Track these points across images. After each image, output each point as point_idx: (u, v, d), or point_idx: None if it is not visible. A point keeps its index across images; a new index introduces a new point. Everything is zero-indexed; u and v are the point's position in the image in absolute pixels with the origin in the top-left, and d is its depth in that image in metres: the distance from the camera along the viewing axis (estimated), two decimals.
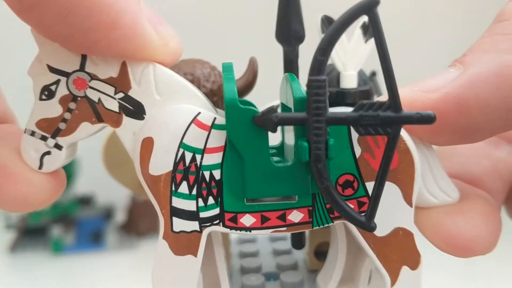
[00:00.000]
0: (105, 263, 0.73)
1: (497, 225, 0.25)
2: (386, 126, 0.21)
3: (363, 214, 0.22)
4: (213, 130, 0.23)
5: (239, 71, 0.29)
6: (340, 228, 0.26)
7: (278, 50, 0.29)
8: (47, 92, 0.23)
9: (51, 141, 0.24)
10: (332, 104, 0.28)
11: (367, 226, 0.22)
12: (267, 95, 0.31)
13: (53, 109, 0.23)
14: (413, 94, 0.23)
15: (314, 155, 0.21)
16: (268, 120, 0.21)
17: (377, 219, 0.23)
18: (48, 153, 0.24)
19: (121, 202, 0.84)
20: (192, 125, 0.23)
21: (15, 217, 0.76)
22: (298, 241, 0.31)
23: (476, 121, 0.22)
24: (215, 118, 0.23)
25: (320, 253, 0.31)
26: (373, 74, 0.34)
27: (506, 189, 0.29)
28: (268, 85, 0.35)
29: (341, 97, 0.28)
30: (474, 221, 0.24)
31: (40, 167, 0.24)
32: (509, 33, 0.23)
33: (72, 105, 0.23)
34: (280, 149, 0.27)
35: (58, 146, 0.24)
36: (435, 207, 0.25)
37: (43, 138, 0.24)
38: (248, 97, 0.29)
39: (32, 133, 0.24)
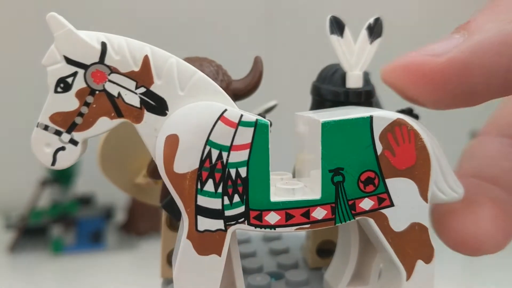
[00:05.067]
0: (105, 263, 0.73)
1: (507, 225, 0.26)
2: None
3: None
4: (239, 127, 0.23)
5: (244, 70, 0.29)
6: (353, 224, 0.26)
7: (280, 50, 0.29)
8: (63, 85, 0.22)
9: (66, 136, 0.23)
10: (338, 104, 0.28)
11: None
12: (266, 96, 0.31)
13: (69, 102, 0.23)
14: (421, 58, 0.24)
15: None
16: None
17: (396, 215, 0.24)
18: (62, 148, 0.23)
19: (121, 202, 0.84)
20: (219, 122, 0.23)
21: (15, 217, 0.75)
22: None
23: (477, 85, 0.23)
24: (241, 115, 0.23)
25: (323, 251, 0.31)
26: (366, 74, 0.34)
27: None
28: (269, 85, 0.35)
29: (347, 96, 0.28)
30: (480, 220, 0.25)
31: (53, 163, 0.23)
32: (510, 3, 0.24)
33: (90, 99, 0.23)
34: None
35: (73, 142, 0.23)
36: (445, 206, 0.26)
37: (57, 133, 0.23)
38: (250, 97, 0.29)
39: (45, 128, 0.23)
